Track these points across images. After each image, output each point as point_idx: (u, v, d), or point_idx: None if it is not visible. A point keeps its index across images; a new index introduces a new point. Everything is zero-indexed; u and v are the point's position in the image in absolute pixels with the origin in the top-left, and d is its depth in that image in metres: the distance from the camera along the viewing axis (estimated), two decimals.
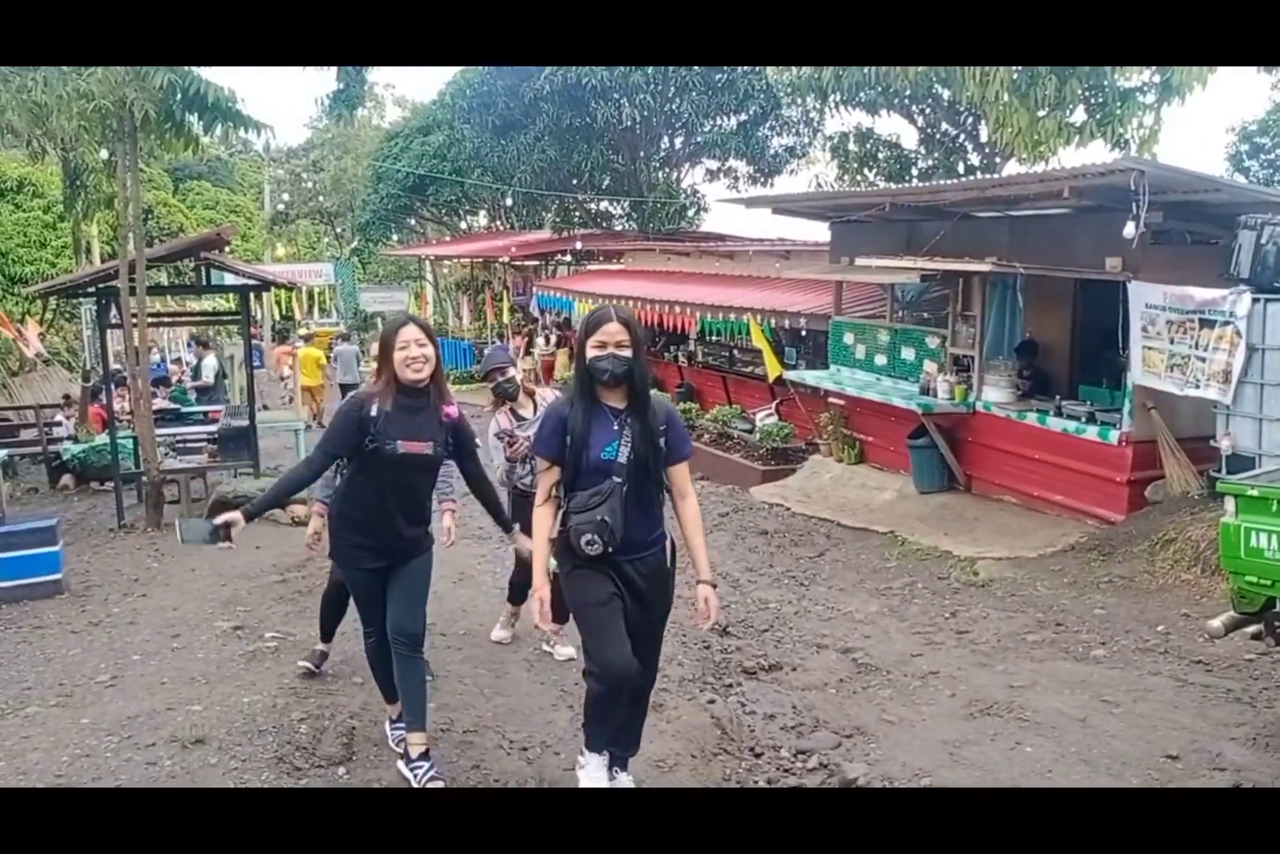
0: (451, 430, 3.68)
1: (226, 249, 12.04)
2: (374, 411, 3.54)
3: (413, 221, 30.21)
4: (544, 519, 3.34)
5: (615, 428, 3.23)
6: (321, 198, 34.93)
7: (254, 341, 14.00)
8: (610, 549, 3.19)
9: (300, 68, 13.89)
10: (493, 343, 20.62)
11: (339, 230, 36.73)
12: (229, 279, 11.80)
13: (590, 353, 3.19)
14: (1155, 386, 7.43)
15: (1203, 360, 7.06)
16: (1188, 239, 7.77)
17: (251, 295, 10.75)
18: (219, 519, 3.51)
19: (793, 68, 14.67)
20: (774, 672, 5.24)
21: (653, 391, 3.41)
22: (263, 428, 10.32)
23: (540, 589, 3.29)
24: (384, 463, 3.56)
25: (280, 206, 35.87)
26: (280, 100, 40.21)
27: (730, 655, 5.40)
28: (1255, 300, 6.72)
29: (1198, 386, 7.08)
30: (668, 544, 3.45)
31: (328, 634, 4.80)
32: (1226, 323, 6.87)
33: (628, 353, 3.18)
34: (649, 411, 3.27)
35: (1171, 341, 7.27)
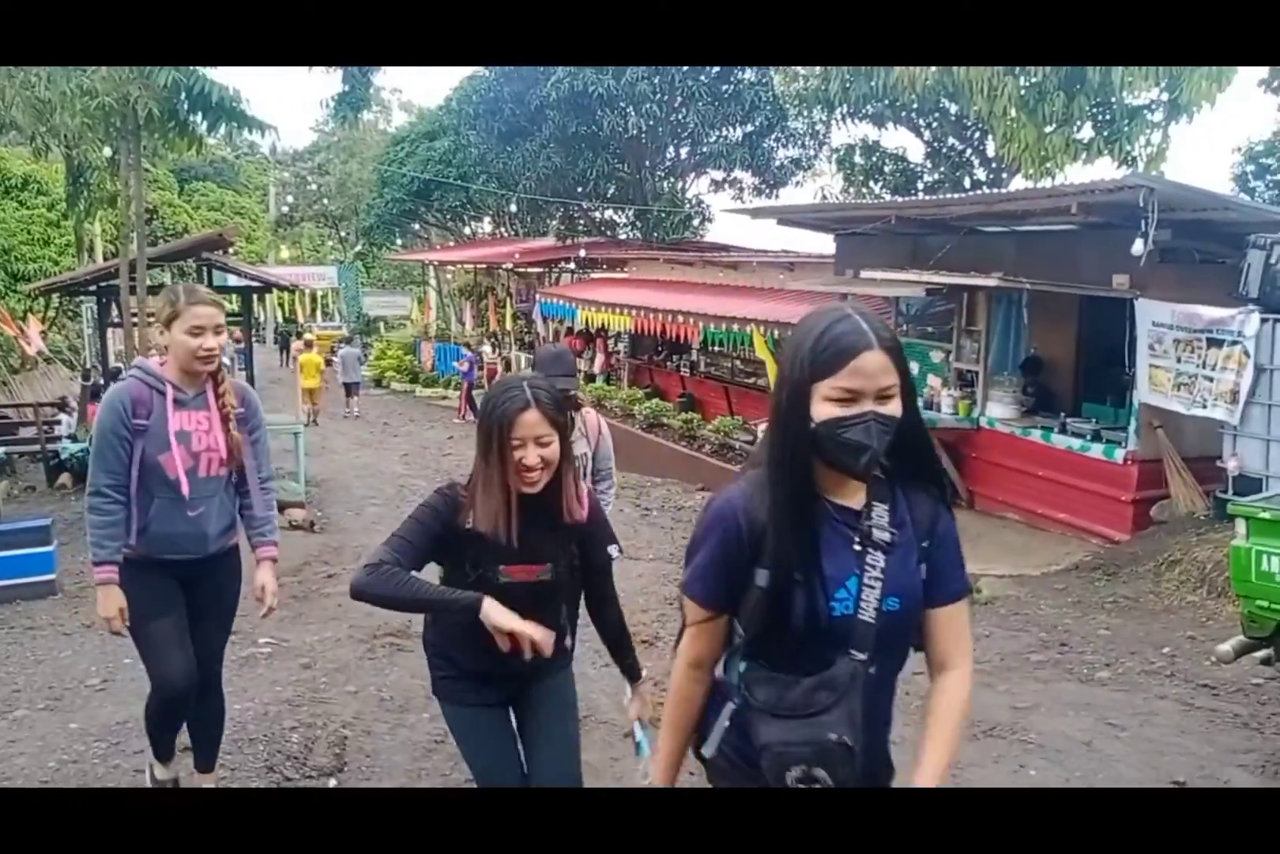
0: (580, 539, 2.48)
1: (230, 251, 12.03)
2: (468, 523, 2.33)
3: (417, 227, 30.31)
4: (689, 709, 1.81)
5: (856, 550, 1.64)
6: (326, 201, 35.11)
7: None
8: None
9: (305, 69, 13.90)
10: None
11: (343, 234, 36.85)
12: (231, 280, 11.81)
13: (826, 412, 1.57)
14: (1161, 405, 7.38)
15: (1210, 380, 7.02)
16: (1196, 258, 7.73)
17: (254, 298, 10.73)
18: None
19: (800, 79, 14.72)
20: None
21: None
22: None
23: None
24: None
25: (285, 209, 36.05)
26: (286, 103, 40.34)
27: None
28: (1264, 320, 6.70)
29: (1205, 406, 7.04)
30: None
31: (168, 750, 3.35)
32: (1235, 342, 6.83)
33: (894, 410, 1.58)
34: (910, 510, 1.70)
35: (1179, 360, 7.23)
